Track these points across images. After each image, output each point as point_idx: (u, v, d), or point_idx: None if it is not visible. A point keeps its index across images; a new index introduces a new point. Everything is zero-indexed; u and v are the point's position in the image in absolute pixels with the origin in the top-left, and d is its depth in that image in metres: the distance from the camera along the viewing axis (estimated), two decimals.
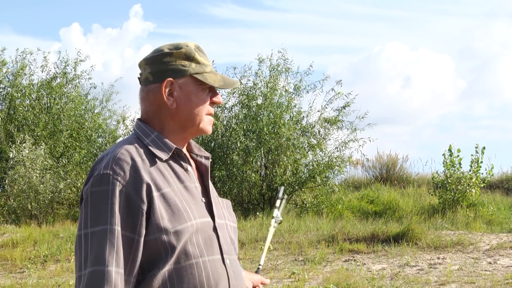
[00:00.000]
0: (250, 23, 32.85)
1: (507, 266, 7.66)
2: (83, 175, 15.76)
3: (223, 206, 1.97)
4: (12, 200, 13.70)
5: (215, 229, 1.83)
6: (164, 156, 1.81)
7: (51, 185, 13.64)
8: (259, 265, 2.65)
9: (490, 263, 7.86)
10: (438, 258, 8.15)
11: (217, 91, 1.92)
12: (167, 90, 1.84)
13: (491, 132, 27.58)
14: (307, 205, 13.01)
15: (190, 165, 1.89)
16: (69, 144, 16.53)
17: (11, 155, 14.12)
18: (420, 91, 28.77)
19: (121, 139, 16.91)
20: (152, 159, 1.79)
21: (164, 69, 1.85)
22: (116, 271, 1.65)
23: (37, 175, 13.57)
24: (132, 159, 1.75)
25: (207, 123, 1.89)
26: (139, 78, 1.91)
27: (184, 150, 1.92)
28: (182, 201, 1.77)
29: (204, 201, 1.86)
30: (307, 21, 30.23)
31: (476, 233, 9.64)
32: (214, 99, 1.89)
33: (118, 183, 1.71)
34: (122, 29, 34.06)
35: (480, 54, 31.98)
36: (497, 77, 30.54)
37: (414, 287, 6.94)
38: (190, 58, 1.86)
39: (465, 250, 8.53)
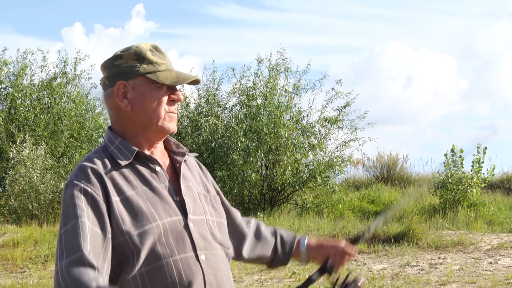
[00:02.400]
0: (251, 23, 32.85)
1: (508, 266, 7.66)
2: None
3: (206, 201, 1.95)
4: (12, 200, 13.69)
5: (186, 227, 1.81)
6: (125, 161, 1.82)
7: (52, 185, 13.63)
8: (363, 232, 2.19)
9: (491, 263, 7.86)
10: (439, 258, 8.14)
11: (177, 89, 1.91)
12: (120, 93, 1.84)
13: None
14: (308, 205, 13.01)
15: (159, 165, 1.88)
16: (70, 144, 16.53)
17: (11, 155, 14.12)
18: (422, 91, 28.74)
19: None
20: (116, 165, 1.81)
21: (115, 72, 1.85)
22: (91, 254, 1.67)
23: (38, 175, 13.56)
24: (95, 167, 1.79)
25: (167, 121, 1.87)
26: (100, 83, 1.92)
27: (158, 149, 1.92)
28: (147, 203, 1.78)
29: (176, 199, 1.85)
30: (308, 21, 30.23)
31: (477, 233, 9.64)
32: (173, 96, 1.88)
33: (82, 185, 1.75)
34: (124, 29, 34.04)
35: (482, 54, 31.96)
36: (499, 77, 30.51)
37: (415, 287, 6.94)
38: (140, 58, 1.85)
39: (466, 250, 8.53)
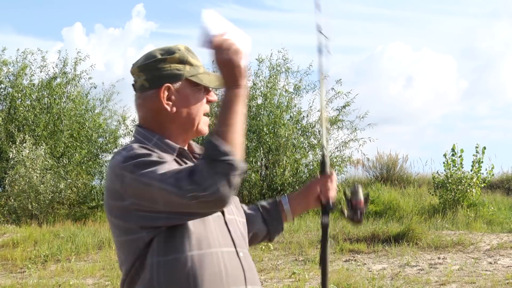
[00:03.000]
0: (252, 23, 32.85)
1: (508, 266, 7.66)
2: (83, 175, 15.75)
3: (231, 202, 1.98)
4: (12, 200, 13.70)
5: (225, 224, 1.85)
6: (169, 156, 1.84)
7: (52, 185, 13.64)
8: (323, 155, 2.21)
9: (490, 263, 7.86)
10: (439, 258, 8.14)
11: (211, 89, 1.94)
12: (165, 96, 1.85)
13: (493, 132, 27.59)
14: None
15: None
16: (69, 144, 16.53)
17: (11, 155, 14.12)
18: (422, 91, 28.77)
19: (122, 140, 16.84)
20: None
21: (159, 75, 1.86)
22: None
23: (38, 175, 13.57)
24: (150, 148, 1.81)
25: (204, 124, 1.92)
26: (133, 85, 1.92)
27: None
28: None
29: None
30: (309, 21, 30.15)
31: (476, 233, 9.64)
32: (210, 98, 1.92)
33: (150, 151, 1.77)
34: (125, 29, 34.08)
35: (483, 54, 32.01)
36: (499, 77, 30.57)
37: (414, 287, 6.94)
38: (183, 61, 1.88)
39: (466, 250, 8.53)
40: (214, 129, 1.69)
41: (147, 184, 1.67)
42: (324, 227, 2.08)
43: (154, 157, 1.73)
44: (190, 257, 1.73)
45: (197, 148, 1.99)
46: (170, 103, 1.85)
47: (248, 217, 2.12)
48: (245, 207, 2.17)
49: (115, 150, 16.88)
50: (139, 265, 1.76)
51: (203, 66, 1.93)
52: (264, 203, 2.18)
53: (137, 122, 1.95)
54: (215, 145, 1.65)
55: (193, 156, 1.97)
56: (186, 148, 1.94)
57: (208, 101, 1.93)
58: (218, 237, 1.79)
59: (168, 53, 1.88)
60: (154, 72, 1.86)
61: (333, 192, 2.11)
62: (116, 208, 1.75)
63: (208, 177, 1.61)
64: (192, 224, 1.74)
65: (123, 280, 1.81)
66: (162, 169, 1.68)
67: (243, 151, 1.69)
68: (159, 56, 1.87)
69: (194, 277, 1.72)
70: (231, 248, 1.82)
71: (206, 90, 1.92)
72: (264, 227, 2.15)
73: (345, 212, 2.09)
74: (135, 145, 1.79)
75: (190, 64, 1.88)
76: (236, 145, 1.66)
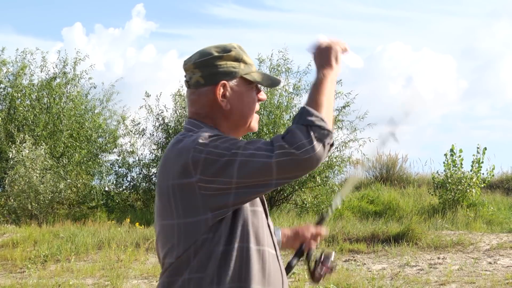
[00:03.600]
0: (251, 23, 32.91)
1: (507, 266, 7.67)
2: (83, 175, 15.75)
3: None
4: (12, 200, 13.69)
5: (268, 226, 1.87)
6: None
7: (51, 185, 13.63)
8: (326, 212, 2.37)
9: (490, 263, 7.86)
10: (438, 258, 8.15)
11: (261, 88, 1.96)
12: (220, 92, 1.87)
13: (493, 132, 27.58)
14: (307, 205, 13.01)
15: None
16: (69, 144, 16.52)
17: (11, 155, 14.10)
18: (422, 91, 28.77)
19: (122, 140, 16.80)
20: None
21: (216, 72, 1.88)
22: None
23: (37, 175, 13.56)
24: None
25: (255, 121, 1.94)
26: (187, 81, 1.93)
27: None
28: None
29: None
30: (309, 21, 30.28)
31: (476, 233, 9.64)
32: (260, 96, 1.95)
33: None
34: (124, 29, 34.03)
35: (483, 54, 32.00)
36: (499, 77, 30.57)
37: (414, 287, 6.94)
38: (239, 59, 1.90)
39: (465, 250, 8.53)
40: (306, 104, 1.74)
41: (228, 155, 1.69)
42: (289, 268, 2.10)
43: (229, 136, 1.77)
44: (246, 248, 1.74)
45: None
46: (225, 100, 1.87)
47: None
48: None
49: (114, 149, 16.96)
50: (193, 252, 1.74)
51: (254, 64, 1.95)
52: None
53: (189, 116, 1.95)
54: (310, 112, 1.70)
55: None
56: None
57: (259, 100, 1.95)
58: (266, 237, 1.82)
59: (224, 51, 1.89)
60: (210, 69, 1.88)
61: (316, 245, 2.20)
62: (180, 187, 1.73)
63: (303, 137, 1.66)
64: (251, 219, 1.76)
65: (170, 264, 1.78)
66: (241, 141, 1.72)
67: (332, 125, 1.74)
68: (216, 54, 1.89)
69: (246, 269, 1.74)
70: (273, 250, 1.84)
71: (257, 88, 1.94)
72: None
73: (310, 266, 2.15)
74: (205, 129, 1.82)
75: (245, 62, 1.91)
76: (329, 119, 1.72)
